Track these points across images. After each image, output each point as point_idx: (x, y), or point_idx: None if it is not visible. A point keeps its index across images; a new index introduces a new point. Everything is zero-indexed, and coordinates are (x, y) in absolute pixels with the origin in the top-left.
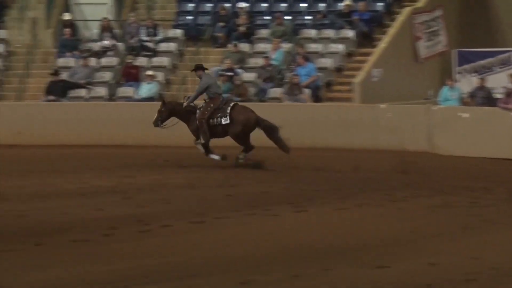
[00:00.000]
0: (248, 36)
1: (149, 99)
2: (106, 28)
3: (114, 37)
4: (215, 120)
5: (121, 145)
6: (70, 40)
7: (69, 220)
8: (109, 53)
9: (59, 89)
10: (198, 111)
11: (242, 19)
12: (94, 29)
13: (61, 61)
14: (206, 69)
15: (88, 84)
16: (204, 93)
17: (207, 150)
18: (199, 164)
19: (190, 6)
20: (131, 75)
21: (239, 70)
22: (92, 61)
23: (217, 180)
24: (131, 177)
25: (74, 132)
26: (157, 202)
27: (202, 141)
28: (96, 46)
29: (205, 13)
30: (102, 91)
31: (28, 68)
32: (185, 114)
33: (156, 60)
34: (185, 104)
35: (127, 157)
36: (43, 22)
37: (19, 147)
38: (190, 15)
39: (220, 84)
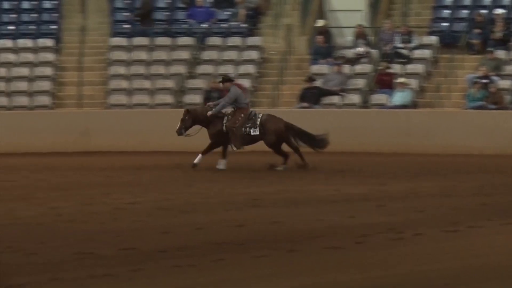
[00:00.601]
0: (505, 43)
1: (403, 106)
2: (360, 35)
3: (368, 44)
4: (242, 129)
5: (374, 152)
6: (323, 47)
7: (321, 227)
8: (363, 60)
9: (312, 96)
10: (225, 118)
11: (498, 26)
12: (348, 36)
13: (315, 68)
14: (233, 80)
15: (342, 91)
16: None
17: (206, 153)
18: (452, 172)
19: (446, 12)
20: (385, 82)
21: (495, 78)
22: (346, 68)
23: (471, 188)
24: (384, 185)
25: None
26: (410, 210)
27: (235, 148)
28: (350, 53)
29: (461, 19)
30: (355, 98)
31: (282, 75)
32: (209, 121)
33: (410, 67)
34: (210, 113)
35: (380, 165)
36: (298, 29)
37: (270, 154)
38: (445, 22)
39: (475, 92)
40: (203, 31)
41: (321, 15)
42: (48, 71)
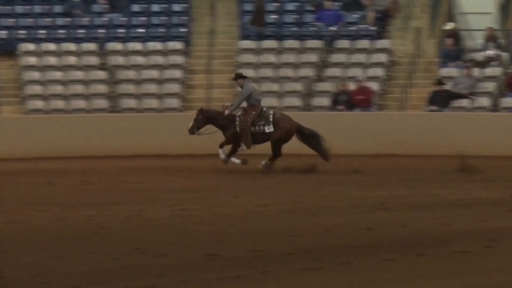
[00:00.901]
0: None
1: None
2: (490, 38)
3: (498, 46)
4: (257, 128)
5: (504, 155)
6: (453, 50)
7: (450, 231)
8: (493, 63)
9: (441, 99)
10: (237, 119)
11: None
12: (478, 39)
13: (444, 71)
14: (246, 77)
15: (471, 95)
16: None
17: (228, 155)
18: None
19: None
20: None
21: None
22: (476, 71)
23: None
24: None
25: (458, 141)
26: None
27: (244, 147)
28: (479, 56)
29: None
30: (485, 101)
31: (411, 78)
32: (222, 121)
33: None
34: (227, 112)
35: (510, 169)
36: (427, 32)
37: (399, 157)
38: None
39: None
40: (332, 34)
41: (451, 17)
42: (177, 73)
